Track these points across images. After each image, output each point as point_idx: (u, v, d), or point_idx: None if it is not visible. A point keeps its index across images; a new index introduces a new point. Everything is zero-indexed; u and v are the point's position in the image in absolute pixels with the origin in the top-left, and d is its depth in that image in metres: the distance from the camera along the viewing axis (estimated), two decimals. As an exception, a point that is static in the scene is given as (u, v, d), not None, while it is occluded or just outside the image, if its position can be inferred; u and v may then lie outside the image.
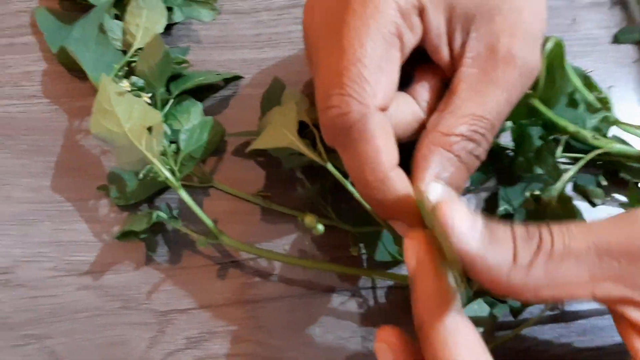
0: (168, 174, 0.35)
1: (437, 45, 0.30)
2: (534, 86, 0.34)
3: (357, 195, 0.32)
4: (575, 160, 0.38)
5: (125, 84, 0.37)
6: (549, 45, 0.33)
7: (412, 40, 0.29)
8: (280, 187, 0.40)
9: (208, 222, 0.36)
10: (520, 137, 0.38)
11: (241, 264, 0.39)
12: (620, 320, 0.24)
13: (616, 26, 0.46)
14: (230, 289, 0.38)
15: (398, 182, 0.28)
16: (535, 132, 0.38)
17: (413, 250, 0.26)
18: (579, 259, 0.23)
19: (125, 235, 0.37)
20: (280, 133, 0.34)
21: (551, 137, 0.37)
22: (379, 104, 0.28)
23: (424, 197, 0.26)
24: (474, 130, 0.28)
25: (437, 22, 0.29)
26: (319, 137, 0.34)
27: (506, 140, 0.40)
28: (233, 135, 0.41)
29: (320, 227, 0.34)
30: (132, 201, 0.39)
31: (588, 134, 0.36)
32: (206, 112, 0.41)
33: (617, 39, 0.46)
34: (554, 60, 0.34)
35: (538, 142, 0.37)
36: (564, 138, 0.37)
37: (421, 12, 0.29)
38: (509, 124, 0.40)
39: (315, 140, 0.34)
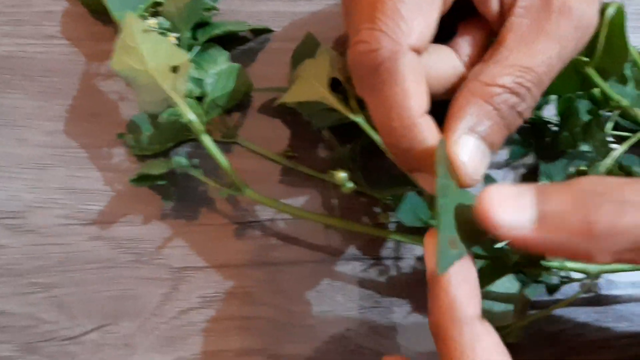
0: (193, 116, 0.33)
1: None
2: (590, 54, 0.31)
3: (388, 153, 0.30)
4: (622, 140, 0.35)
5: (151, 22, 0.35)
6: (610, 10, 0.31)
7: None
8: (307, 148, 0.38)
9: (231, 172, 0.34)
10: (567, 110, 0.36)
11: (261, 224, 0.37)
12: None
13: (671, 3, 0.44)
14: (249, 249, 0.36)
15: (427, 130, 0.26)
16: (583, 106, 0.35)
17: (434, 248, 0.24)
18: None
19: (141, 179, 0.35)
20: (312, 86, 0.32)
21: (600, 113, 0.35)
22: (412, 44, 0.26)
23: (453, 150, 0.24)
24: (519, 82, 0.26)
25: None
26: (352, 94, 0.32)
27: (549, 114, 0.38)
28: (260, 91, 0.39)
29: (350, 184, 0.32)
30: (150, 151, 0.37)
31: (639, 112, 0.34)
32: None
33: (671, 16, 0.43)
34: (614, 28, 0.31)
35: (586, 117, 0.35)
36: (615, 113, 0.34)
37: None
38: (554, 97, 0.38)
39: (347, 97, 0.32)
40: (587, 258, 0.21)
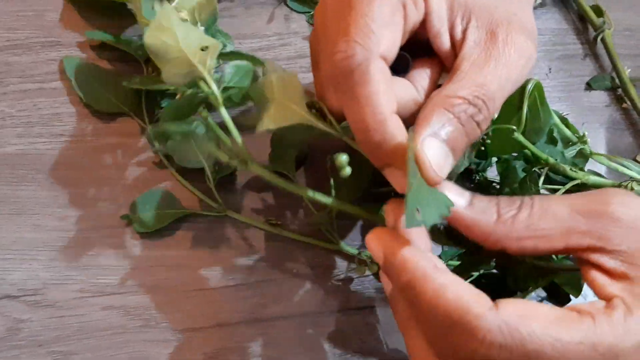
0: (215, 87, 0.36)
1: (438, 29, 0.33)
2: (517, 122, 0.38)
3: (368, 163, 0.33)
4: (555, 191, 0.42)
5: (183, 14, 0.40)
6: (530, 86, 0.38)
7: (415, 16, 0.32)
8: (289, 215, 0.44)
9: (241, 144, 0.36)
10: (505, 170, 0.42)
11: (253, 285, 0.42)
12: (585, 265, 0.29)
13: (588, 75, 0.52)
14: (242, 308, 0.41)
15: (396, 126, 0.30)
16: (519, 165, 0.42)
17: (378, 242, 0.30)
18: (556, 216, 0.28)
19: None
20: (291, 111, 0.34)
21: (533, 170, 0.41)
22: (381, 52, 0.30)
23: (419, 150, 0.28)
24: (475, 95, 0.30)
25: (439, 6, 0.33)
26: (328, 111, 0.35)
27: (492, 174, 0.45)
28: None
29: (348, 170, 0.34)
30: (152, 228, 0.43)
31: (566, 167, 0.41)
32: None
33: (589, 86, 0.51)
34: (536, 98, 0.38)
35: (522, 174, 0.41)
36: (544, 170, 0.41)
37: None
38: (494, 159, 0.44)
39: (323, 115, 0.35)
40: (497, 241, 0.29)
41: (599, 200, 0.28)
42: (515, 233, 0.28)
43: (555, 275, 0.38)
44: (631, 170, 0.41)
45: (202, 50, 0.36)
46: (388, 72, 0.31)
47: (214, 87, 0.36)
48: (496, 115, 0.39)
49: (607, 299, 0.28)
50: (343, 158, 0.34)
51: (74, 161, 0.45)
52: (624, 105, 0.51)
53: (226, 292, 0.42)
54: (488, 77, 0.31)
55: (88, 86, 0.46)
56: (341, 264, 0.43)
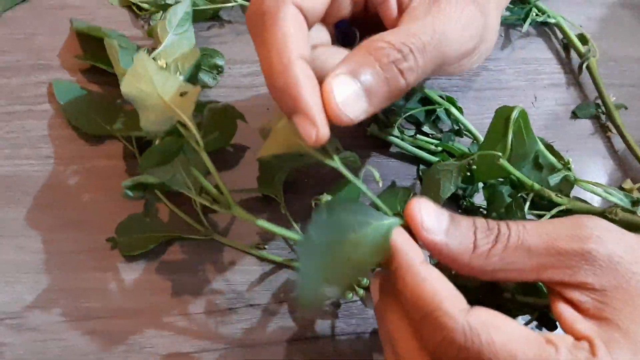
0: (196, 132, 0.35)
1: None
2: (503, 148, 0.38)
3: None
4: (540, 217, 0.42)
5: (161, 62, 0.40)
6: (515, 113, 0.38)
7: None
8: (273, 238, 0.44)
9: (224, 189, 0.36)
10: (492, 195, 0.42)
11: (239, 310, 0.42)
12: (555, 296, 0.29)
13: (573, 103, 0.52)
14: (229, 334, 0.41)
15: (301, 70, 0.29)
16: (505, 190, 0.42)
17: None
18: (530, 251, 0.28)
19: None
20: (288, 139, 0.33)
21: (519, 195, 0.42)
22: (295, 1, 0.30)
23: (327, 83, 0.27)
24: (403, 42, 0.30)
25: None
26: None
27: (479, 200, 0.45)
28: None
29: None
30: (137, 251, 0.42)
31: (552, 193, 0.41)
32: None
33: (574, 115, 0.52)
34: (520, 125, 0.39)
35: (508, 199, 0.42)
36: (530, 196, 0.41)
37: None
38: (481, 184, 0.45)
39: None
40: (472, 271, 0.29)
41: (577, 235, 0.28)
42: (490, 267, 0.28)
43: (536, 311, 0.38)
44: (614, 197, 0.41)
45: (182, 95, 0.35)
46: (302, 20, 0.30)
47: (195, 132, 0.35)
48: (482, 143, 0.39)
49: (575, 336, 0.28)
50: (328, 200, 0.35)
51: (61, 183, 0.45)
52: (609, 134, 0.52)
53: (212, 317, 0.41)
54: (421, 28, 0.31)
55: (76, 109, 0.47)
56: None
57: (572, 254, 0.28)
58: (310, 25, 0.32)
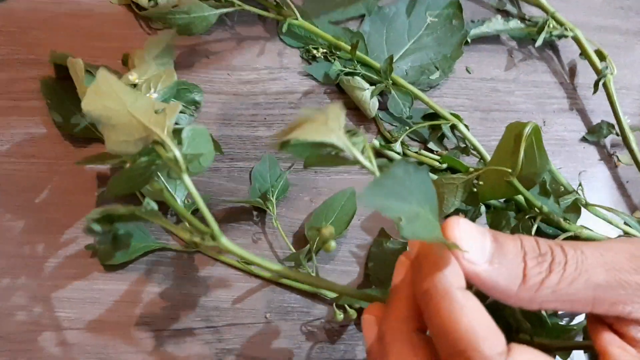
0: (177, 152, 0.30)
1: None
2: (514, 166, 0.36)
3: None
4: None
5: (134, 76, 0.36)
6: (527, 129, 0.35)
7: None
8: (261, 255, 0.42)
9: (209, 217, 0.30)
10: (496, 219, 0.40)
11: (221, 328, 0.39)
12: (600, 328, 0.26)
13: (582, 129, 0.50)
14: (208, 353, 0.38)
15: None
16: (511, 214, 0.40)
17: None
18: (589, 282, 0.24)
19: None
20: (324, 127, 0.29)
21: (527, 217, 0.39)
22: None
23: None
24: None
25: None
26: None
27: (481, 222, 0.43)
28: (226, 202, 0.43)
29: (334, 244, 0.31)
30: (117, 261, 0.40)
31: (560, 218, 0.39)
32: (196, 182, 0.43)
33: (585, 139, 0.50)
34: (532, 142, 0.36)
35: (514, 222, 0.39)
36: (537, 220, 0.39)
37: None
38: (483, 208, 0.42)
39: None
40: (518, 302, 0.25)
41: None
42: (540, 299, 0.25)
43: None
44: (629, 225, 0.39)
45: (157, 112, 0.31)
46: None
47: (176, 151, 0.30)
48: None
49: None
50: (328, 231, 0.31)
51: (43, 184, 0.43)
52: (618, 163, 0.50)
53: (192, 335, 0.39)
54: None
55: (63, 109, 0.45)
56: (318, 309, 0.40)
57: (637, 288, 0.24)
58: None
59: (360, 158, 0.28)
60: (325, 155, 0.30)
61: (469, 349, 0.23)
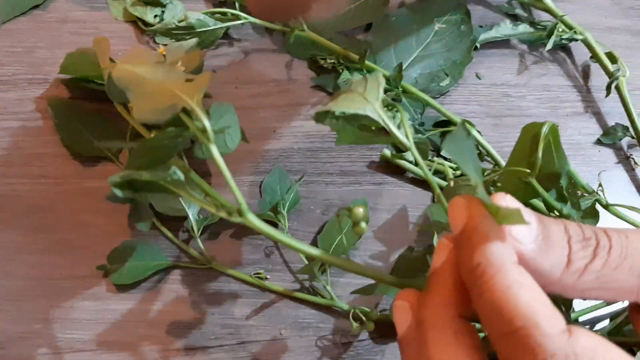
0: (207, 122, 0.29)
1: None
2: (532, 167, 0.35)
3: None
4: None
5: (161, 48, 0.36)
6: (545, 128, 0.34)
7: None
8: (274, 270, 0.41)
9: (233, 186, 0.29)
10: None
11: (235, 347, 0.38)
12: None
13: (597, 132, 0.49)
14: (224, 372, 0.38)
15: None
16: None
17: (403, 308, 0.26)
18: (634, 268, 0.23)
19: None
20: (360, 98, 0.28)
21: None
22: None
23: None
24: None
25: None
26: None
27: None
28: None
29: (364, 225, 0.29)
30: (130, 280, 0.39)
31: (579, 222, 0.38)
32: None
33: (600, 142, 0.49)
34: (550, 142, 0.35)
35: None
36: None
37: None
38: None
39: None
40: (560, 289, 0.24)
41: None
42: (583, 286, 0.24)
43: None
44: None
45: (188, 81, 0.31)
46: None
47: (206, 121, 0.29)
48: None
49: None
50: (360, 211, 0.28)
51: (52, 204, 0.42)
52: (635, 166, 0.49)
53: (206, 354, 0.38)
54: None
55: (71, 128, 0.44)
56: (333, 323, 0.40)
57: None
58: None
59: (396, 132, 0.27)
60: (359, 132, 0.29)
61: (528, 326, 0.21)
